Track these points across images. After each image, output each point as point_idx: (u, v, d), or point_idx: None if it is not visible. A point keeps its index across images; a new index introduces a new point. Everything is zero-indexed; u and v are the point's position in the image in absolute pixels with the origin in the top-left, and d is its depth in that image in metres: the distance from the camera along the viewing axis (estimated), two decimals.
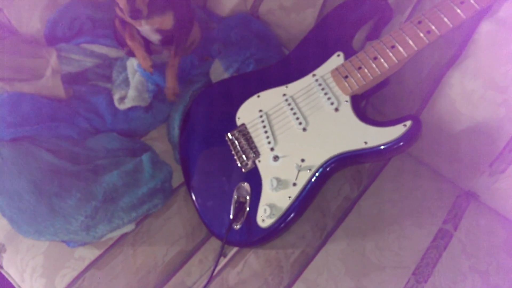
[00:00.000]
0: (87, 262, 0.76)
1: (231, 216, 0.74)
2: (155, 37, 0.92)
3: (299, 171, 0.73)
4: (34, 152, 0.80)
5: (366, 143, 0.69)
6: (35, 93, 0.82)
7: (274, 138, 0.77)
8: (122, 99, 0.91)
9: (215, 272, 0.74)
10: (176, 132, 0.89)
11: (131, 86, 0.91)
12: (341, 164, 0.72)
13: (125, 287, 0.74)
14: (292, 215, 0.72)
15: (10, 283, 0.82)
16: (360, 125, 0.71)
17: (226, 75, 0.91)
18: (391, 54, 0.72)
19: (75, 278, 0.75)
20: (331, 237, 0.76)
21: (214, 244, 0.80)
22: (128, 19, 0.84)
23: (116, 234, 0.79)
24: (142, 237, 0.80)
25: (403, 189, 0.81)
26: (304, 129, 0.75)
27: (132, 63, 0.93)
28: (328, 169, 0.72)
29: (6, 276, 0.82)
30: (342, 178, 0.82)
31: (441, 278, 0.70)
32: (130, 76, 0.93)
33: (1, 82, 0.84)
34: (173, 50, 0.91)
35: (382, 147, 0.68)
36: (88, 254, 0.77)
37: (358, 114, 0.72)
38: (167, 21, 0.88)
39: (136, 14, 0.78)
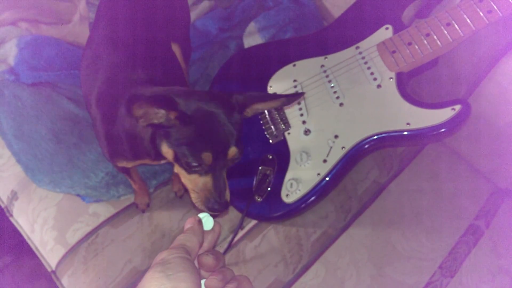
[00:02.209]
0: (101, 219, 0.73)
1: (254, 188, 0.71)
2: None
3: (331, 147, 0.69)
4: (55, 99, 0.76)
5: (408, 124, 0.65)
6: (60, 38, 0.78)
7: (308, 111, 0.72)
8: None
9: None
10: None
11: None
12: (377, 145, 0.67)
13: (138, 248, 0.72)
14: (319, 192, 0.68)
15: (19, 232, 0.80)
16: (404, 104, 0.66)
17: (260, 41, 0.86)
18: (445, 32, 0.66)
19: (88, 234, 0.72)
20: (356, 221, 0.73)
21: (231, 215, 0.76)
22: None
23: None
24: (160, 201, 0.77)
25: (435, 180, 0.76)
26: (341, 104, 0.70)
27: None
28: (363, 149, 0.67)
29: (16, 225, 0.79)
30: (371, 161, 0.78)
31: (468, 275, 0.67)
32: None
33: (26, 23, 0.80)
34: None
35: (425, 130, 0.63)
36: (104, 211, 0.74)
37: (402, 92, 0.67)
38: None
39: None
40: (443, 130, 0.62)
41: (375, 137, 0.66)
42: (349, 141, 0.68)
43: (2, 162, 0.81)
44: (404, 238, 0.70)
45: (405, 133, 0.65)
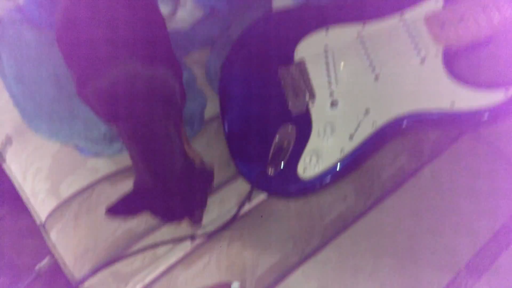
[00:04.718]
0: (100, 174, 0.68)
1: (268, 160, 0.65)
2: None
3: (360, 122, 0.62)
4: None
5: (452, 104, 0.58)
6: None
7: (337, 81, 0.65)
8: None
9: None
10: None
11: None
12: (413, 124, 0.60)
13: None
14: (340, 171, 0.62)
15: (10, 180, 0.74)
16: (449, 82, 0.59)
17: (291, 3, 0.78)
18: (502, 8, 0.58)
19: (84, 188, 0.66)
20: (376, 207, 0.66)
21: (240, 187, 0.70)
22: None
23: None
24: None
25: (470, 174, 0.69)
26: (377, 77, 0.63)
27: None
28: (396, 127, 0.60)
29: (8, 171, 0.74)
30: (400, 145, 0.71)
31: (497, 278, 0.61)
32: None
33: None
34: None
35: (472, 112, 0.56)
36: (103, 166, 0.68)
37: (449, 69, 0.59)
38: None
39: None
40: (492, 113, 0.55)
41: (412, 116, 0.59)
42: (381, 117, 0.61)
43: None
44: (430, 231, 0.63)
45: (447, 113, 0.57)
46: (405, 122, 0.60)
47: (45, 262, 1.02)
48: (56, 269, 0.70)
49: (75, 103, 0.68)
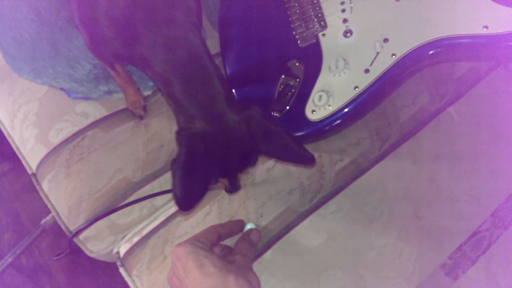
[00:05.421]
0: (90, 120, 0.62)
1: (273, 101, 0.58)
2: None
3: (378, 54, 0.54)
4: None
5: (486, 28, 0.49)
6: None
7: (352, 7, 0.56)
8: None
9: None
10: None
11: None
12: (439, 55, 0.52)
13: (131, 156, 0.61)
14: (353, 111, 0.55)
15: None
16: (482, 1, 0.50)
17: None
18: None
19: (74, 134, 0.61)
20: (393, 152, 0.60)
21: None
22: None
23: None
24: (159, 107, 0.64)
25: (495, 115, 0.62)
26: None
27: None
28: (419, 59, 0.52)
29: None
30: (421, 83, 0.63)
31: None
32: None
33: None
34: None
35: (509, 35, 0.48)
36: (93, 111, 0.63)
37: None
38: None
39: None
40: None
41: (438, 43, 0.51)
42: (402, 47, 0.52)
43: None
44: (452, 177, 0.57)
45: (481, 39, 0.49)
46: (430, 52, 0.52)
47: (49, 217, 1.01)
48: None
49: (57, 38, 0.62)
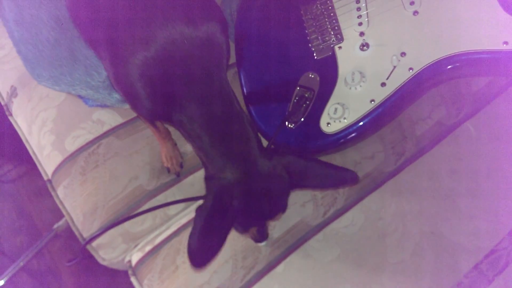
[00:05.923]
0: (106, 128, 0.63)
1: (287, 112, 0.58)
2: None
3: (394, 68, 0.54)
4: None
5: (506, 43, 0.48)
6: None
7: (369, 20, 0.56)
8: None
9: None
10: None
11: None
12: (457, 70, 0.51)
13: (147, 165, 0.61)
14: (369, 125, 0.54)
15: (17, 134, 0.71)
16: (502, 16, 0.49)
17: None
18: None
19: (89, 142, 0.62)
20: (409, 167, 0.59)
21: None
22: None
23: None
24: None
25: None
26: (415, 13, 0.54)
27: None
28: (437, 74, 0.52)
29: (14, 125, 0.71)
30: (438, 97, 0.62)
31: None
32: None
33: None
34: None
35: None
36: (109, 119, 0.64)
37: (503, 3, 0.50)
38: None
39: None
40: None
41: (457, 58, 0.50)
42: (420, 61, 0.52)
43: (3, 53, 0.71)
44: (471, 194, 0.56)
45: (501, 55, 0.49)
46: (448, 67, 0.51)
47: (62, 221, 1.02)
48: None
49: (75, 45, 0.63)
